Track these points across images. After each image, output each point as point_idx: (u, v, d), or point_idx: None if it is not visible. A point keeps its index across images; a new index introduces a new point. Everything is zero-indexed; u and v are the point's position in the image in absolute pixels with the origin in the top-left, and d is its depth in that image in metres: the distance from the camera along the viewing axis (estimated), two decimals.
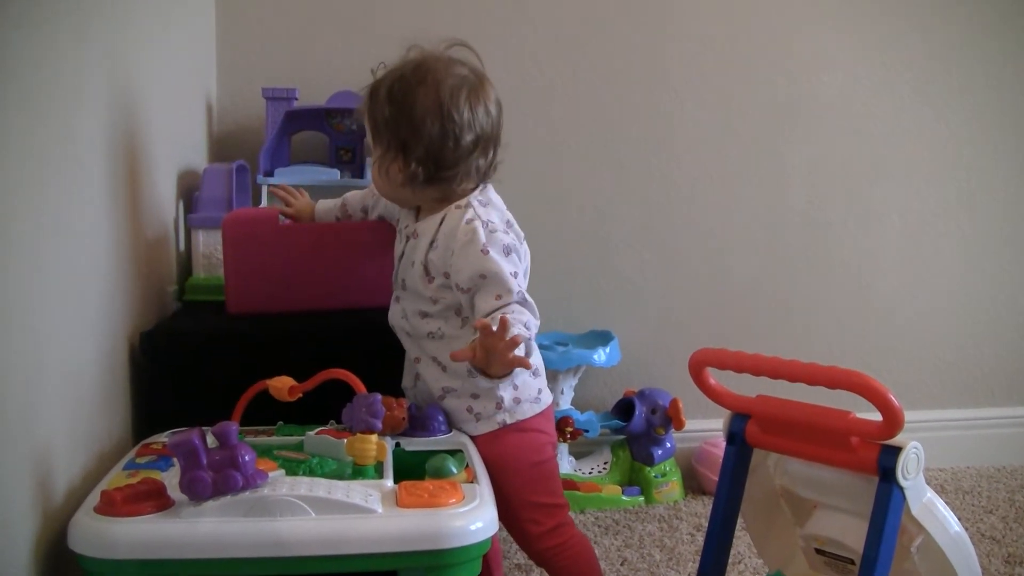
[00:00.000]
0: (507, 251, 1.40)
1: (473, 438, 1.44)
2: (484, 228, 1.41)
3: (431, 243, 1.44)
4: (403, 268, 1.50)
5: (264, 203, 2.00)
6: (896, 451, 1.14)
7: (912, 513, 1.17)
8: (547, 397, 1.54)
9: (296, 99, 2.05)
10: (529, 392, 1.50)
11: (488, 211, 1.45)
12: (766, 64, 2.32)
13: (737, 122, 2.33)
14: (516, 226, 1.49)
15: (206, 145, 2.10)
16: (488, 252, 1.39)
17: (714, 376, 1.34)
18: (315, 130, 2.13)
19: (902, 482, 1.14)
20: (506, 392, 1.47)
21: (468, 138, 1.42)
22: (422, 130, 1.41)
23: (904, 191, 2.40)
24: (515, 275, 1.40)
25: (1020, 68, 2.39)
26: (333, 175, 2.02)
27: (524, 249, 1.47)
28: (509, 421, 1.48)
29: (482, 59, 1.47)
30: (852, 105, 2.36)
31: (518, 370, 1.41)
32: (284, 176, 2.00)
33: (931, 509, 1.19)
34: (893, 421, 1.12)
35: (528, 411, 1.49)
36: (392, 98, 1.43)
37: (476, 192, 1.47)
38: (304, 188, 1.84)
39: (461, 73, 1.44)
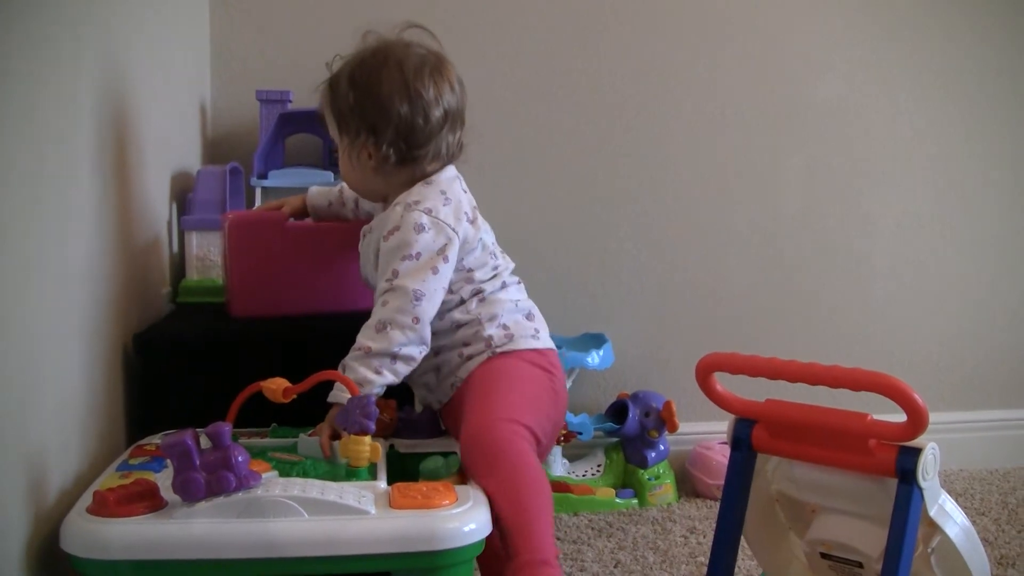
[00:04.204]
0: (418, 229, 1.40)
1: (466, 379, 1.44)
2: (405, 209, 1.42)
3: (381, 236, 1.45)
4: (362, 267, 1.52)
5: (258, 204, 2.00)
6: (916, 452, 1.14)
7: (930, 515, 1.17)
8: (546, 340, 1.51)
9: (290, 102, 2.04)
10: (524, 330, 1.48)
11: (425, 190, 1.45)
12: (763, 67, 2.33)
13: (733, 124, 2.33)
14: (459, 202, 1.46)
15: (200, 147, 2.10)
16: (392, 233, 1.41)
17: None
18: (309, 133, 2.13)
19: (922, 483, 1.14)
20: (495, 331, 1.46)
21: (437, 114, 1.44)
22: (390, 110, 1.42)
23: (900, 194, 2.40)
24: (410, 257, 1.39)
25: (1015, 72, 2.40)
26: (327, 177, 2.02)
27: (462, 227, 1.45)
28: (499, 350, 1.46)
29: (439, 40, 1.49)
30: (848, 108, 2.36)
31: (508, 310, 1.47)
32: (278, 178, 2.00)
33: (944, 508, 1.19)
34: (918, 422, 1.12)
35: (523, 344, 1.47)
36: (355, 83, 1.44)
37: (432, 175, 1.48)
38: (298, 190, 1.83)
39: (420, 53, 1.46)
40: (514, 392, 1.41)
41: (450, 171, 1.50)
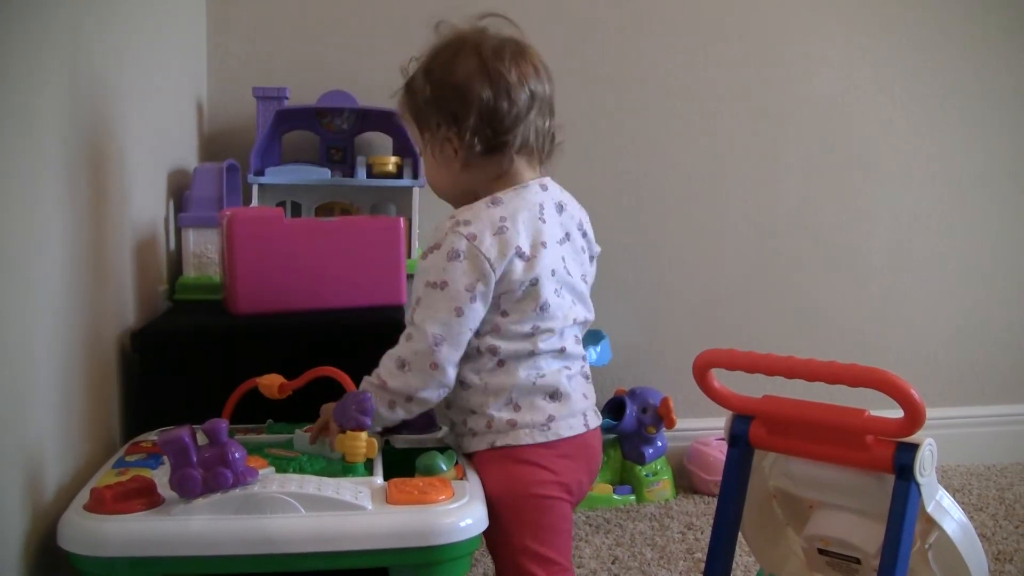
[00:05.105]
0: (452, 255, 1.26)
1: (470, 456, 1.34)
2: (451, 227, 1.28)
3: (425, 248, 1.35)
4: None
5: (255, 203, 2.00)
6: (913, 448, 1.14)
7: (927, 511, 1.17)
8: (564, 429, 1.32)
9: (287, 99, 2.05)
10: (534, 416, 1.31)
11: (485, 211, 1.29)
12: (760, 64, 2.33)
13: (730, 121, 2.33)
14: (515, 233, 1.28)
15: (196, 144, 2.10)
16: (432, 251, 1.28)
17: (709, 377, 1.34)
18: (306, 130, 2.13)
19: (919, 479, 1.14)
20: (499, 412, 1.31)
21: (523, 96, 1.30)
22: (470, 95, 1.29)
23: (897, 191, 2.41)
24: (436, 286, 1.26)
25: (1012, 69, 2.41)
26: (324, 174, 2.03)
27: (505, 263, 1.27)
28: (499, 444, 1.31)
29: (520, 29, 1.37)
30: (845, 106, 2.37)
31: (522, 389, 1.30)
32: (275, 175, 2.00)
33: (942, 504, 1.20)
34: (915, 417, 1.12)
35: (525, 438, 1.30)
36: (430, 76, 1.32)
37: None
38: (294, 187, 1.83)
39: (500, 37, 1.34)
40: (530, 531, 1.29)
41: (534, 194, 1.33)
